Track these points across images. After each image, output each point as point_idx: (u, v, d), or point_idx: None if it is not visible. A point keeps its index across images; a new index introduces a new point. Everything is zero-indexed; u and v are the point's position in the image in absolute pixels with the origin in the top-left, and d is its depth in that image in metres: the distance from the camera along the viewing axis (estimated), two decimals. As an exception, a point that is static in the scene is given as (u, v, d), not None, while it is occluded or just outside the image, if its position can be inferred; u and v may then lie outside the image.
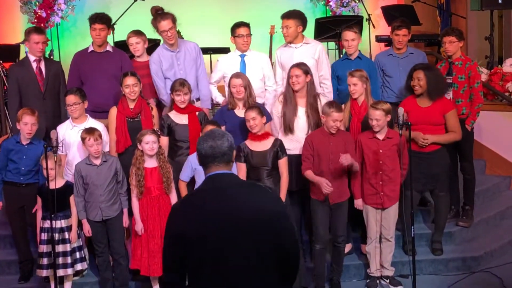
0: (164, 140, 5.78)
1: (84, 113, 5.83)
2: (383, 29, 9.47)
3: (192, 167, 5.54)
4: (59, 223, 5.52)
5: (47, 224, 5.47)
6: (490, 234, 6.62)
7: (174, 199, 5.58)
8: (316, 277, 5.70)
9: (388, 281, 5.77)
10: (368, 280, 5.85)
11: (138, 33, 6.37)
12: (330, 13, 9.69)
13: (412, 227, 5.31)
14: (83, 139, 5.53)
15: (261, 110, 5.57)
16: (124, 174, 5.63)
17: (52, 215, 5.36)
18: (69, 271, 5.57)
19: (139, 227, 5.50)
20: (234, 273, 3.02)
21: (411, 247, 5.43)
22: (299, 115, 5.81)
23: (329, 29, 8.02)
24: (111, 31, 8.61)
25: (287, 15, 6.24)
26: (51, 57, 8.93)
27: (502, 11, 9.37)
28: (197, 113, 5.91)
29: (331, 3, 9.75)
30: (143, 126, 5.77)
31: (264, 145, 5.51)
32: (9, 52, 8.50)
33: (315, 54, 6.22)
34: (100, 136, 5.52)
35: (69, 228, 5.57)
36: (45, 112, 6.07)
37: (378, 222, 5.66)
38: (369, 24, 8.94)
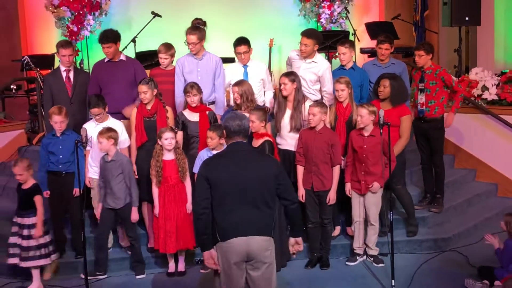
0: (179, 134, 5.81)
1: (106, 114, 5.85)
2: (367, 42, 9.50)
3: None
4: (31, 220, 5.44)
5: (19, 220, 5.45)
6: (458, 219, 6.64)
7: (188, 186, 5.62)
8: (312, 249, 5.82)
9: (372, 259, 5.80)
10: (349, 256, 5.90)
11: (169, 48, 6.25)
12: (321, 28, 9.68)
13: (390, 212, 5.34)
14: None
15: (263, 115, 5.55)
16: (133, 176, 5.61)
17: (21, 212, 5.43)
18: (42, 261, 5.44)
19: (157, 211, 5.58)
20: (243, 206, 3.85)
21: (388, 229, 5.43)
22: (284, 117, 5.86)
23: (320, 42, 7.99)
24: (133, 43, 8.69)
25: (308, 35, 6.15)
26: (81, 65, 8.96)
27: (469, 27, 9.38)
28: (207, 112, 5.92)
29: (322, 20, 9.73)
30: (157, 125, 5.78)
31: (256, 143, 5.58)
32: (45, 61, 8.56)
33: (319, 71, 6.21)
34: (109, 137, 5.51)
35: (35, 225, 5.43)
36: (72, 114, 6.08)
37: (361, 206, 5.72)
38: (354, 38, 8.97)
